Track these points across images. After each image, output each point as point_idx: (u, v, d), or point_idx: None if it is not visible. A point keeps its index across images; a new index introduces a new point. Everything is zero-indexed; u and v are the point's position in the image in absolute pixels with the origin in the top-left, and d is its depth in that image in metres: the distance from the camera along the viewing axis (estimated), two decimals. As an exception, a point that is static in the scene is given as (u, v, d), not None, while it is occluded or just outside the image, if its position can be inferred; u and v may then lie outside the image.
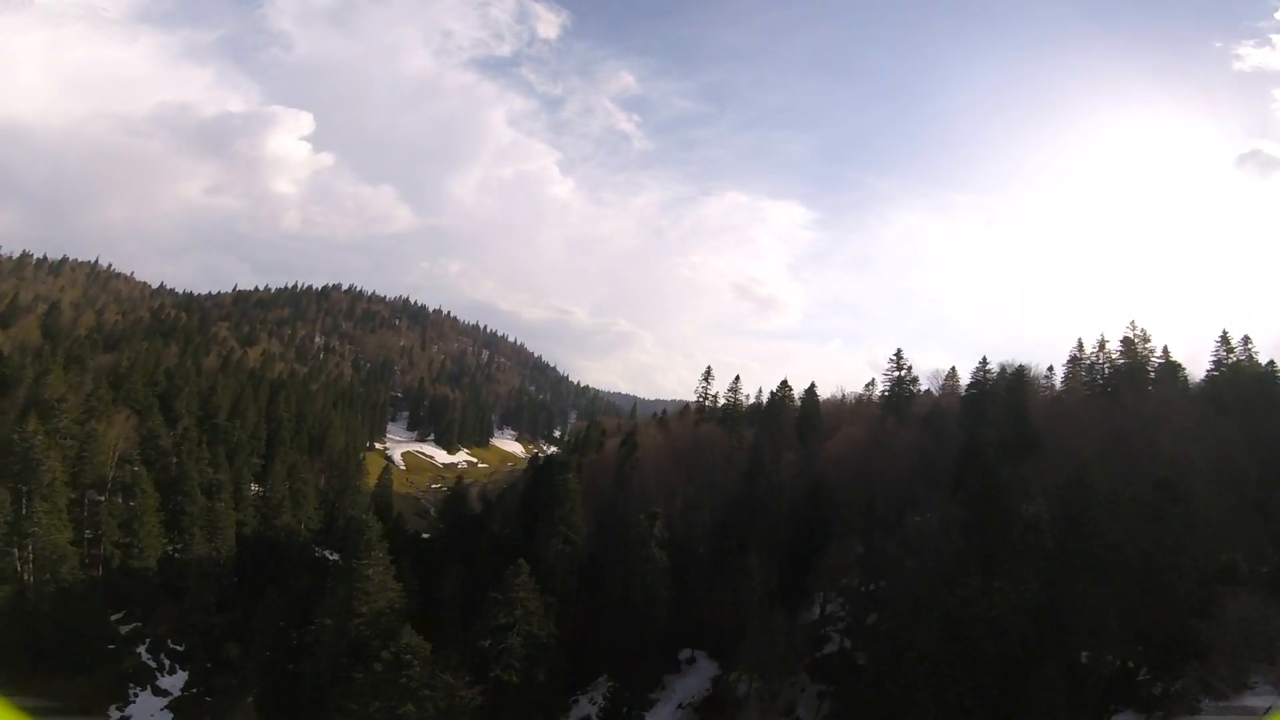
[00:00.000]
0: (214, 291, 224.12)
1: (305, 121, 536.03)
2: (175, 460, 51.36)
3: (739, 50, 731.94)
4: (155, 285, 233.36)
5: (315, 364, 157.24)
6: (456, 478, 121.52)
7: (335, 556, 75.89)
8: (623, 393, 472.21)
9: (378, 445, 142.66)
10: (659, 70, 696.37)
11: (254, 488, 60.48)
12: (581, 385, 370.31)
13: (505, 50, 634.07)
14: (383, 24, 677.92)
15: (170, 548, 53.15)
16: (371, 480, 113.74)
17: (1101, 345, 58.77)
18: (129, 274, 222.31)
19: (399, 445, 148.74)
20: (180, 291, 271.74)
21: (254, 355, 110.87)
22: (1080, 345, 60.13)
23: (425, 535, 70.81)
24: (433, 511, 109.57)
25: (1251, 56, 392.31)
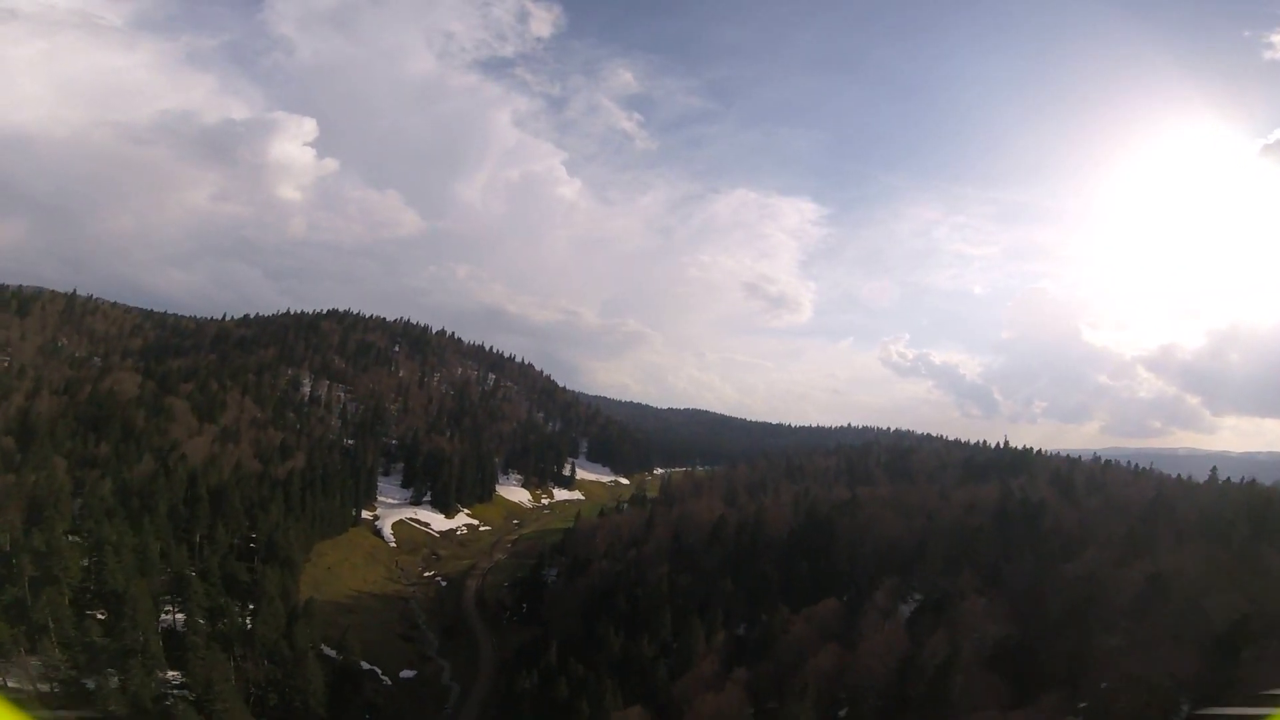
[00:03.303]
0: (210, 317, 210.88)
1: (309, 127, 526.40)
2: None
3: (743, 46, 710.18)
4: (148, 308, 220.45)
5: (298, 418, 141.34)
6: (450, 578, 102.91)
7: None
8: (635, 401, 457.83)
9: (366, 513, 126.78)
10: (663, 68, 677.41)
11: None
12: (593, 400, 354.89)
13: (508, 50, 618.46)
14: (384, 27, 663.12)
15: None
16: (346, 581, 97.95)
17: None
18: (110, 303, 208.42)
19: (390, 511, 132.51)
20: (169, 314, 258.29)
21: (204, 445, 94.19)
22: None
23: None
24: (423, 623, 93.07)
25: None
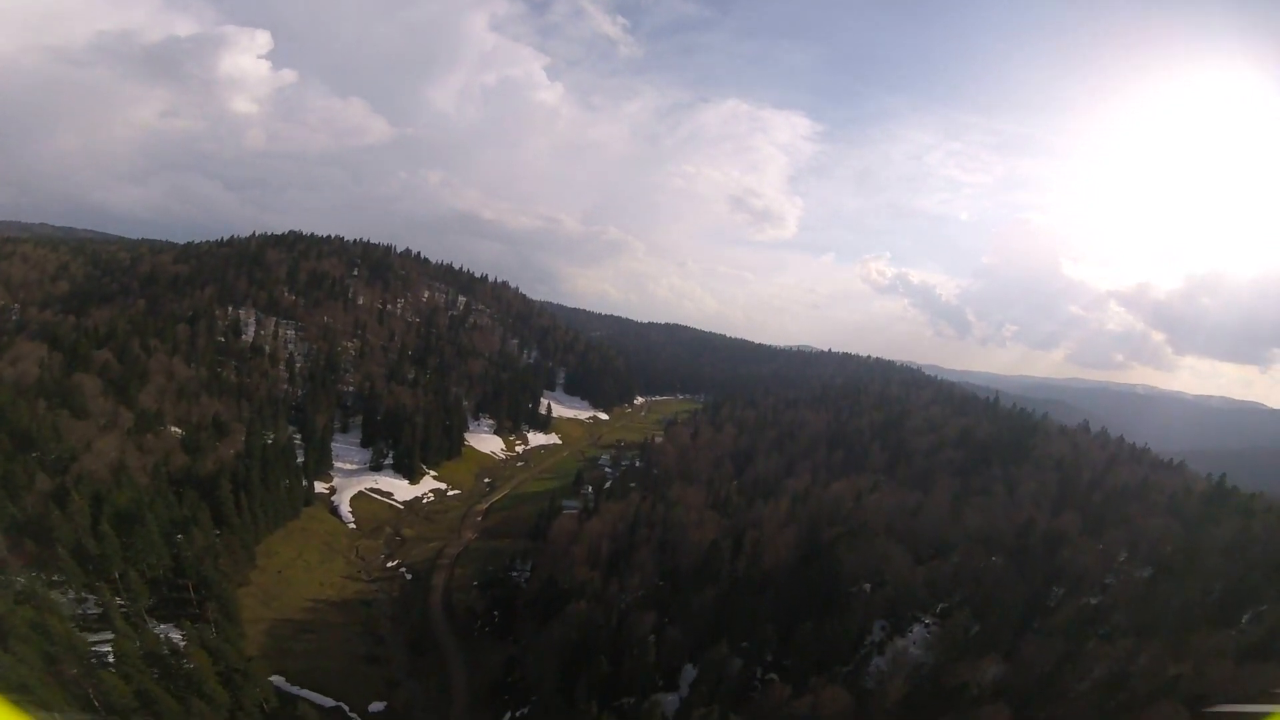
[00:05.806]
0: (162, 239, 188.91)
1: (262, 40, 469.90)
2: None
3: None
4: (97, 229, 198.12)
5: (239, 374, 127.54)
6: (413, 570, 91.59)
7: None
8: (615, 314, 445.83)
9: (321, 485, 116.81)
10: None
11: None
12: (572, 313, 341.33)
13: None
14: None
15: None
16: (301, 587, 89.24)
17: None
18: (34, 243, 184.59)
19: (349, 480, 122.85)
20: (109, 241, 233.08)
21: (115, 443, 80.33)
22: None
23: None
24: (388, 635, 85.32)
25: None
